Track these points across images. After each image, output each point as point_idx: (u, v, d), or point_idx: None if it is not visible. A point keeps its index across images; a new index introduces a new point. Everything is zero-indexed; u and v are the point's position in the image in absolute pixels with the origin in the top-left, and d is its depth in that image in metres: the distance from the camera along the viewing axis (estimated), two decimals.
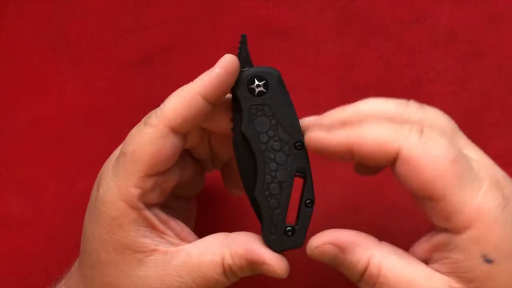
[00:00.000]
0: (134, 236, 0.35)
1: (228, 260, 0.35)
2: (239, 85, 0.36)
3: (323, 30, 0.47)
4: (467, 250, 0.32)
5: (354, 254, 0.34)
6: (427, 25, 0.47)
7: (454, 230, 0.32)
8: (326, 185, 0.45)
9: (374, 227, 0.45)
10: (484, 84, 0.47)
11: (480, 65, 0.47)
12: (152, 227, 0.35)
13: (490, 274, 0.31)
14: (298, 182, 0.36)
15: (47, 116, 0.48)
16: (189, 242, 0.36)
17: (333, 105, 0.36)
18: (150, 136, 0.35)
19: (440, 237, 0.33)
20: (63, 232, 0.46)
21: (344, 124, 0.34)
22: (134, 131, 0.36)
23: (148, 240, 0.35)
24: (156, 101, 0.36)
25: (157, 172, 0.35)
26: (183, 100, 0.35)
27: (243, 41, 0.37)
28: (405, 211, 0.45)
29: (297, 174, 0.36)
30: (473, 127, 0.47)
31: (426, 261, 0.34)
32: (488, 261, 0.31)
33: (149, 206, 0.35)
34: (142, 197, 0.35)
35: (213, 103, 0.35)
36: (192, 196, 0.42)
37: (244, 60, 0.36)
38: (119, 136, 0.38)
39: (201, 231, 0.38)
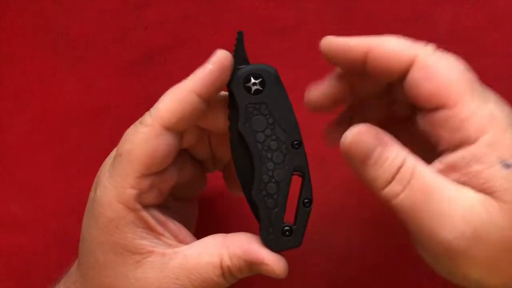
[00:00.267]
0: (131, 237, 0.35)
1: (227, 262, 0.34)
2: (235, 83, 0.36)
3: (324, 29, 0.47)
4: (484, 157, 0.31)
5: (392, 149, 0.33)
6: (428, 24, 0.47)
7: (468, 140, 0.31)
8: (326, 185, 0.44)
9: (374, 227, 0.45)
10: (485, 83, 0.47)
11: (480, 65, 0.47)
12: (149, 228, 0.35)
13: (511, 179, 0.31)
14: (297, 182, 0.36)
15: (47, 116, 0.48)
16: (187, 243, 0.36)
17: None
18: (145, 136, 0.34)
19: (454, 156, 0.32)
20: (63, 232, 0.46)
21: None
22: (129, 131, 0.36)
23: (146, 242, 0.35)
24: (156, 101, 0.36)
25: (153, 172, 0.35)
26: (177, 98, 0.34)
27: (239, 38, 0.36)
28: None
29: (295, 173, 0.36)
30: None
31: None
32: (508, 165, 0.31)
33: (146, 207, 0.35)
34: (138, 197, 0.35)
35: (208, 100, 0.35)
36: (193, 197, 0.42)
37: (240, 57, 0.36)
38: (119, 136, 0.38)
39: (201, 232, 0.38)
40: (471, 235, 0.31)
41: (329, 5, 0.47)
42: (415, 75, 0.33)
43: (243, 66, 0.36)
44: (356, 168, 0.34)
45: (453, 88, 0.32)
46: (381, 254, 0.45)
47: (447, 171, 0.32)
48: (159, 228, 0.35)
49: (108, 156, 0.37)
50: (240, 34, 0.36)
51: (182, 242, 0.36)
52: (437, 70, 0.32)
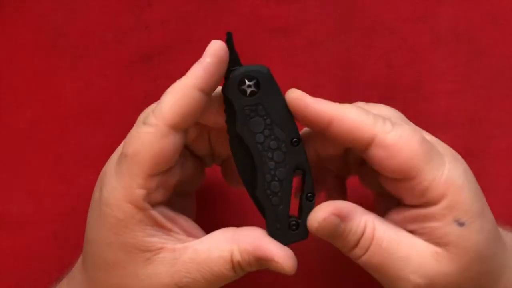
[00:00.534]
0: (141, 236, 0.35)
1: (237, 257, 0.35)
2: (229, 86, 0.36)
3: (324, 28, 0.47)
4: (442, 217, 0.35)
5: (353, 221, 0.36)
6: (429, 24, 0.47)
7: (430, 203, 0.35)
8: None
9: None
10: (486, 83, 0.47)
11: (482, 64, 0.47)
12: (158, 225, 0.36)
13: (463, 236, 0.35)
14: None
15: (47, 116, 0.48)
16: (197, 237, 0.36)
17: None
18: (152, 136, 0.34)
19: (414, 212, 0.36)
20: (63, 232, 0.46)
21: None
22: (133, 131, 0.35)
23: (155, 239, 0.35)
24: (156, 101, 0.36)
25: (160, 172, 0.35)
26: (180, 96, 0.34)
27: (229, 39, 0.36)
28: None
29: (296, 170, 0.36)
30: (475, 126, 0.47)
31: None
32: (461, 224, 0.35)
33: (154, 205, 0.36)
34: (147, 197, 0.35)
35: (209, 94, 0.35)
36: (192, 192, 0.42)
37: (232, 59, 0.35)
38: (119, 135, 0.38)
39: (201, 227, 0.38)
40: (425, 286, 0.35)
41: (329, 5, 0.47)
42: (376, 153, 0.35)
43: (235, 67, 0.36)
44: (327, 239, 0.36)
45: (413, 162, 0.34)
46: None
47: (404, 222, 0.36)
48: (168, 224, 0.36)
49: (111, 157, 0.37)
50: (229, 35, 0.36)
51: (192, 236, 0.37)
52: (398, 148, 0.35)
